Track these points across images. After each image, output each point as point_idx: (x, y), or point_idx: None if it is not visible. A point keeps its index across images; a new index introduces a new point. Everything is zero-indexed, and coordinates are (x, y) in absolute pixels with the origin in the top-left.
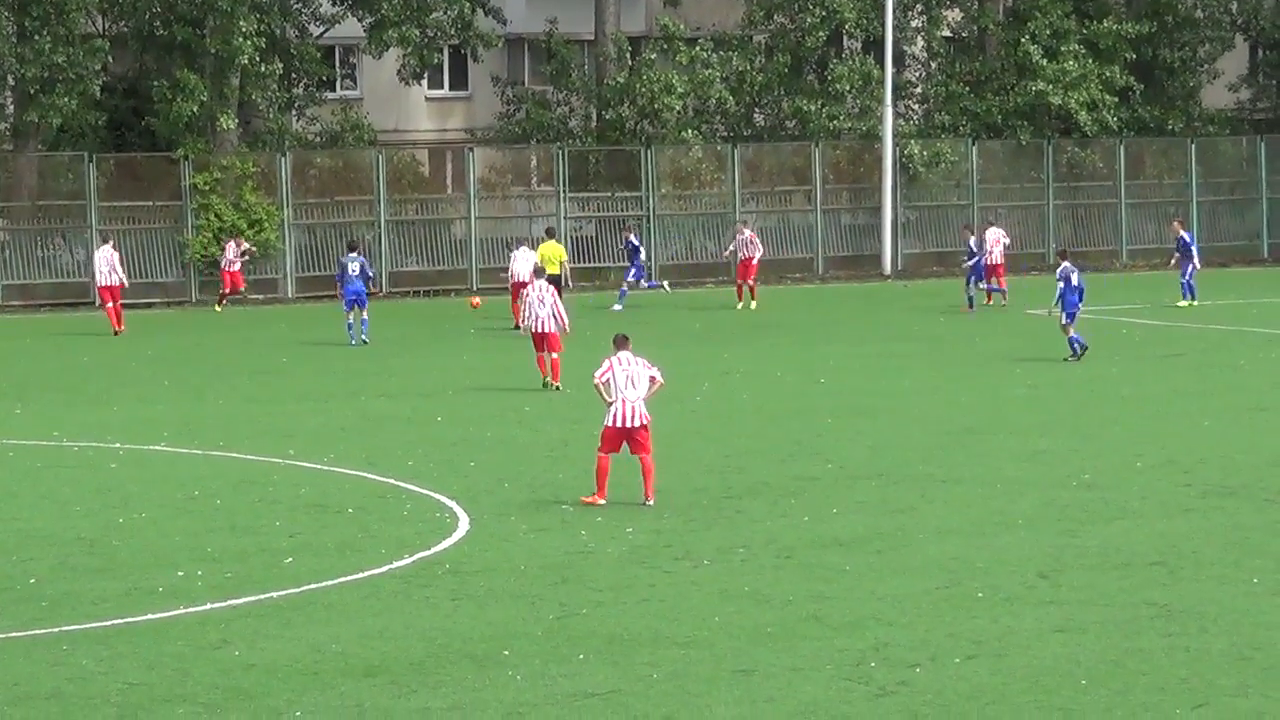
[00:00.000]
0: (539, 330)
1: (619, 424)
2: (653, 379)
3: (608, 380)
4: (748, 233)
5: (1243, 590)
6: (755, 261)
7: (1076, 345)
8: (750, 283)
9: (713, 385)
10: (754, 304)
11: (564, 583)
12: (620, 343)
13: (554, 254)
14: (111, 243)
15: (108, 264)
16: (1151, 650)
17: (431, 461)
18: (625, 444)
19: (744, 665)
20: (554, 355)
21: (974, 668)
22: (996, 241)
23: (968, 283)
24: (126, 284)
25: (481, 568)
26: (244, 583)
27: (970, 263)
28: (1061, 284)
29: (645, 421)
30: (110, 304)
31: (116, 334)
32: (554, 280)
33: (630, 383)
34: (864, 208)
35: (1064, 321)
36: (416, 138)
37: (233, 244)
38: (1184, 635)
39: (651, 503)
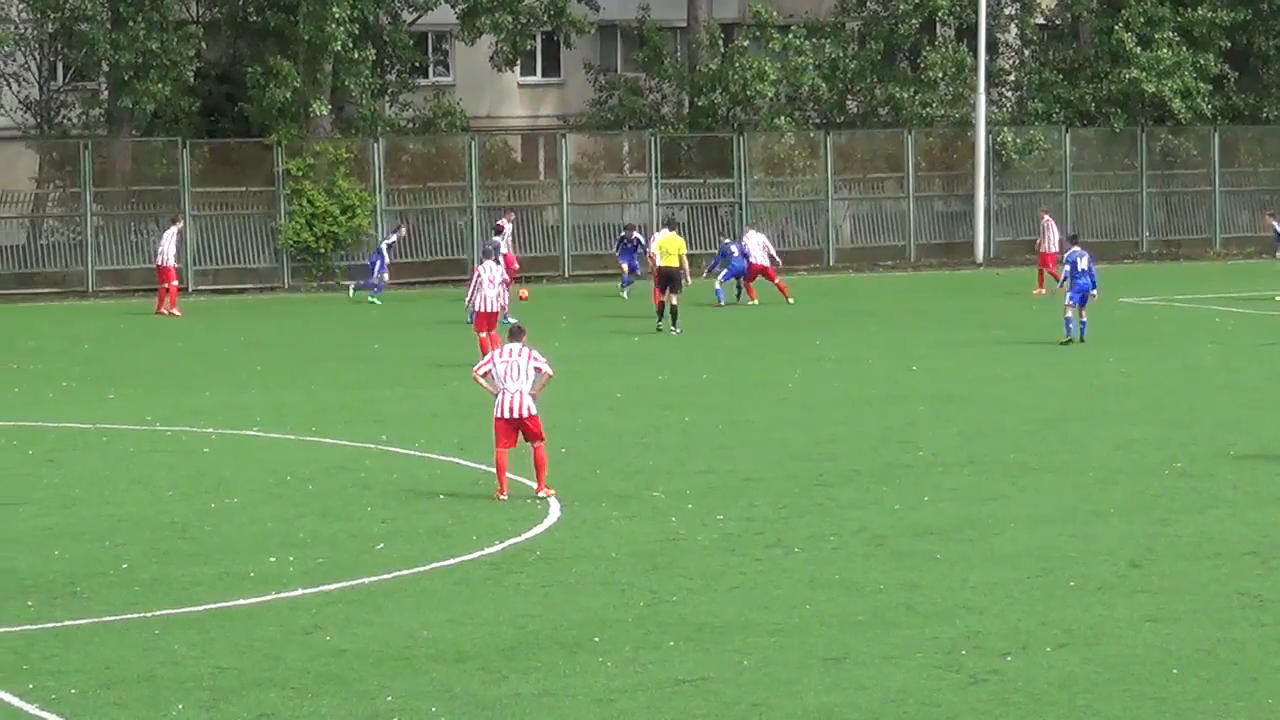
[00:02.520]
0: (484, 309)
1: (505, 415)
2: (538, 369)
3: (487, 372)
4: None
5: None
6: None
7: (1071, 327)
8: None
9: (804, 372)
10: (754, 300)
11: (655, 570)
12: (514, 334)
13: (673, 246)
14: (180, 225)
15: (171, 245)
16: (1244, 640)
17: (523, 448)
18: (520, 435)
19: (834, 653)
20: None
21: (1065, 656)
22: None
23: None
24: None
25: (572, 554)
26: (335, 568)
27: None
28: (1068, 267)
29: (532, 412)
30: (168, 285)
31: (167, 314)
32: (670, 272)
33: (510, 374)
34: (956, 195)
35: (1069, 301)
36: (509, 124)
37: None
38: (1277, 625)
39: (544, 494)
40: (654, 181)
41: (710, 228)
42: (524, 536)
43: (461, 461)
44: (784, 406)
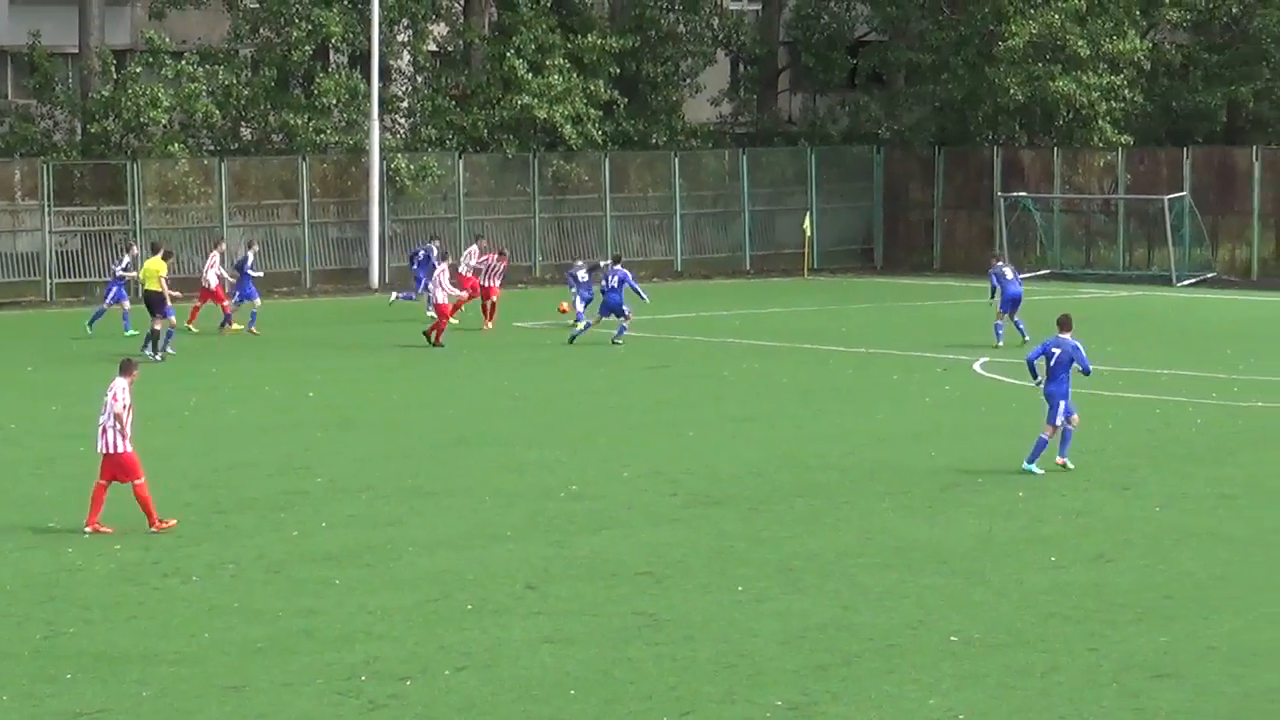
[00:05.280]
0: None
1: (100, 449)
2: (114, 397)
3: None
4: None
5: (728, 599)
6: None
7: (1000, 333)
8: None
9: (200, 400)
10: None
11: (51, 601)
12: (123, 368)
13: (155, 269)
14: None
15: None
16: (639, 659)
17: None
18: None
19: (234, 681)
20: None
21: (464, 679)
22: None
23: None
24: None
25: None
26: None
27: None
28: (994, 280)
29: (113, 450)
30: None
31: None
32: (155, 296)
33: (105, 408)
34: (351, 221)
35: (1000, 310)
36: None
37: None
38: (671, 644)
39: (159, 528)
40: (46, 209)
41: (103, 255)
42: None
43: None
44: (181, 434)
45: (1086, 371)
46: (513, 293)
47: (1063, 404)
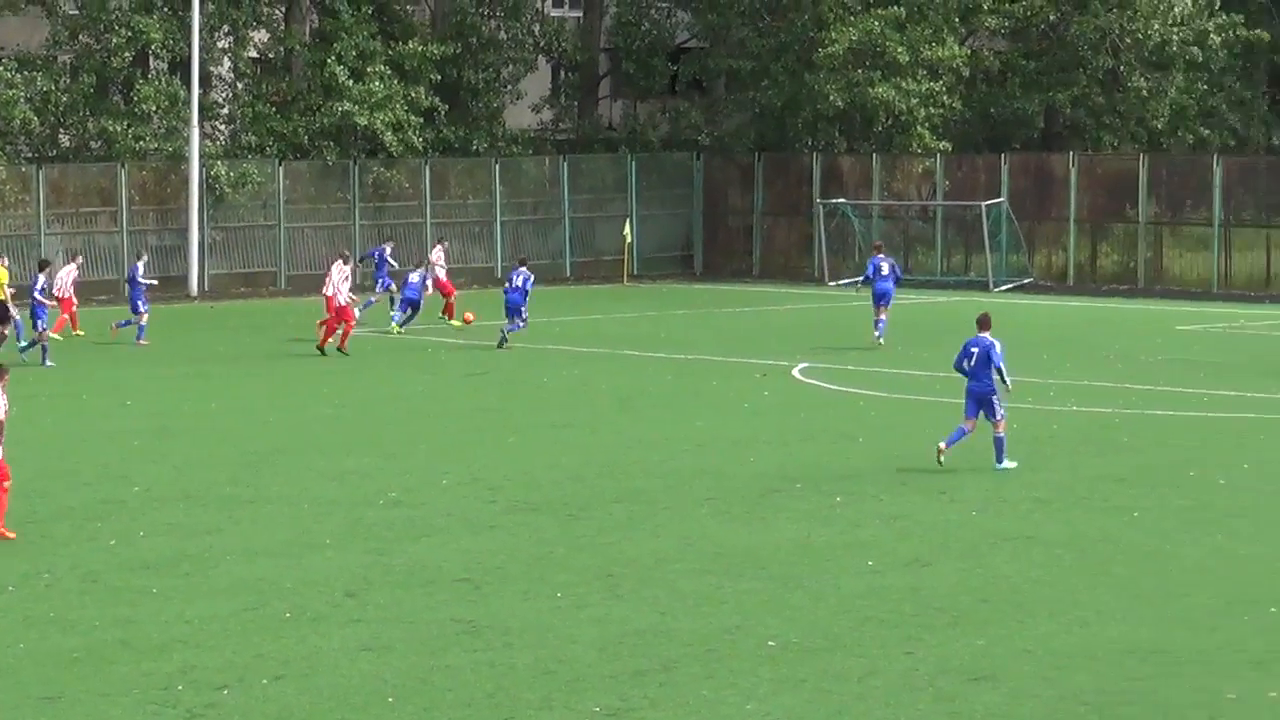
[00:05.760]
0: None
1: None
2: None
3: None
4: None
5: (547, 605)
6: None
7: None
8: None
9: (18, 409)
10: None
11: None
12: None
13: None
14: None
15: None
16: (458, 666)
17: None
18: None
19: (50, 692)
20: None
21: (282, 688)
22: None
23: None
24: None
25: None
26: None
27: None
28: (870, 271)
29: None
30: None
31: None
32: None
33: None
34: (170, 229)
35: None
36: None
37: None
38: (489, 651)
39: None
40: None
41: None
42: None
43: None
44: None
45: (1000, 371)
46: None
47: (994, 400)
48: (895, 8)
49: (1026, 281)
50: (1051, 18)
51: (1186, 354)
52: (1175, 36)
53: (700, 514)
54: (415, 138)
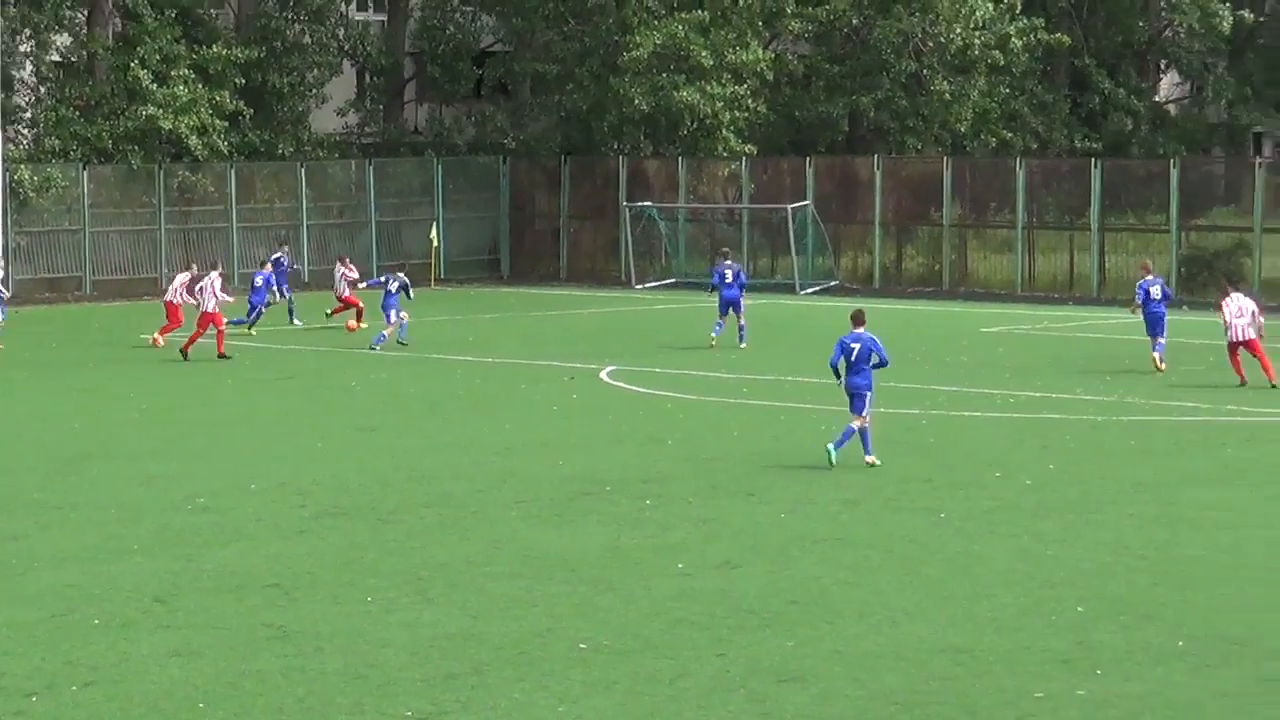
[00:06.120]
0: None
1: None
2: None
3: None
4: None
5: (357, 610)
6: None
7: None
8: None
9: None
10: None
11: None
12: None
13: None
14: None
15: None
16: (269, 671)
17: None
18: None
19: None
20: None
21: (91, 695)
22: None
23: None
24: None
25: None
26: None
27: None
28: (716, 277)
29: None
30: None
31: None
32: None
33: None
34: None
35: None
36: None
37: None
38: (300, 656)
39: None
40: None
41: None
42: None
43: None
44: None
45: (884, 363)
46: (138, 305)
47: (869, 395)
48: (699, 11)
49: (833, 284)
50: (855, 22)
51: (991, 355)
52: (977, 40)
53: (510, 517)
54: (220, 142)
